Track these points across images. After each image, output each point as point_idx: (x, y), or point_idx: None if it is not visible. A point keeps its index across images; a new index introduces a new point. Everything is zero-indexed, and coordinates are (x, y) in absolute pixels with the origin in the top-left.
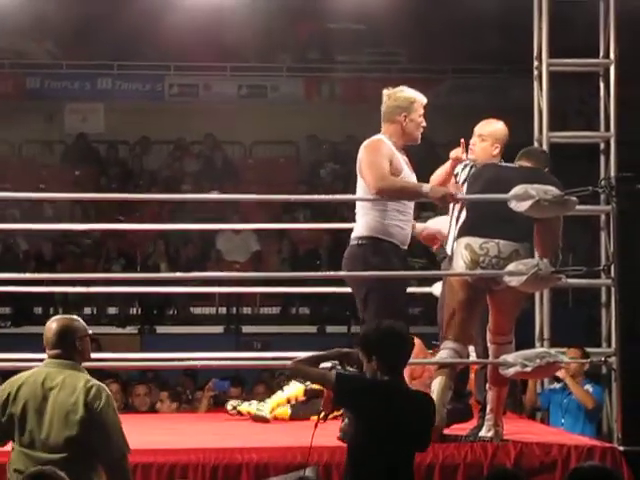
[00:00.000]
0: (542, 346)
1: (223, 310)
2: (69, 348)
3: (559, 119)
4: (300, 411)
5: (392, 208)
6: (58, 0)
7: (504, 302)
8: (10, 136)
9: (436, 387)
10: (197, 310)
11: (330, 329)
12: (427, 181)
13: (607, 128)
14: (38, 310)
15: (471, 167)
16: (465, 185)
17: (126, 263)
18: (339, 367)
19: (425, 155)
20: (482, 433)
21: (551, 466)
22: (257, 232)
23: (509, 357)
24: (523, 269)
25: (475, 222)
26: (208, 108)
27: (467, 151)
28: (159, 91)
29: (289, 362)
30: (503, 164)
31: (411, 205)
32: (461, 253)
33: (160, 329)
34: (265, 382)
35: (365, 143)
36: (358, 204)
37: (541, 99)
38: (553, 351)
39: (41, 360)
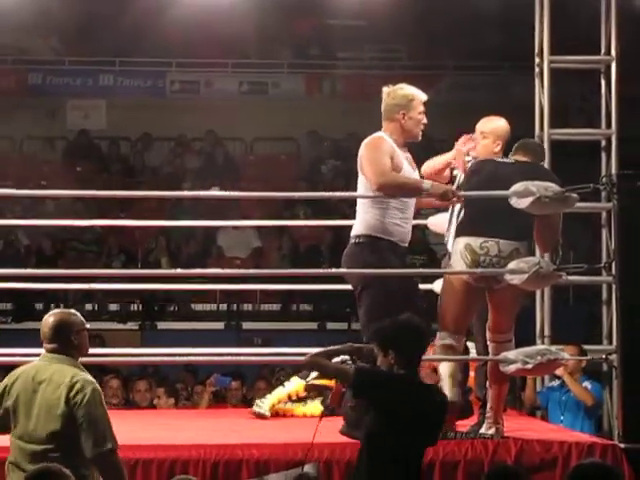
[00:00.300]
0: (543, 343)
1: (224, 306)
2: (65, 342)
3: (560, 116)
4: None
5: (392, 206)
6: None
7: (504, 301)
8: (12, 132)
9: (445, 370)
10: (198, 306)
11: (330, 326)
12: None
13: (608, 125)
14: (39, 306)
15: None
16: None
17: (127, 259)
18: (349, 362)
19: (425, 152)
20: (482, 430)
21: (552, 463)
22: (258, 228)
23: (510, 354)
24: (524, 267)
25: (474, 220)
26: (209, 104)
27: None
28: (160, 87)
29: (290, 358)
30: (500, 159)
31: (412, 203)
32: (461, 253)
33: (161, 325)
34: (265, 378)
35: (366, 140)
36: (359, 202)
37: (542, 96)
38: (554, 348)
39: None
